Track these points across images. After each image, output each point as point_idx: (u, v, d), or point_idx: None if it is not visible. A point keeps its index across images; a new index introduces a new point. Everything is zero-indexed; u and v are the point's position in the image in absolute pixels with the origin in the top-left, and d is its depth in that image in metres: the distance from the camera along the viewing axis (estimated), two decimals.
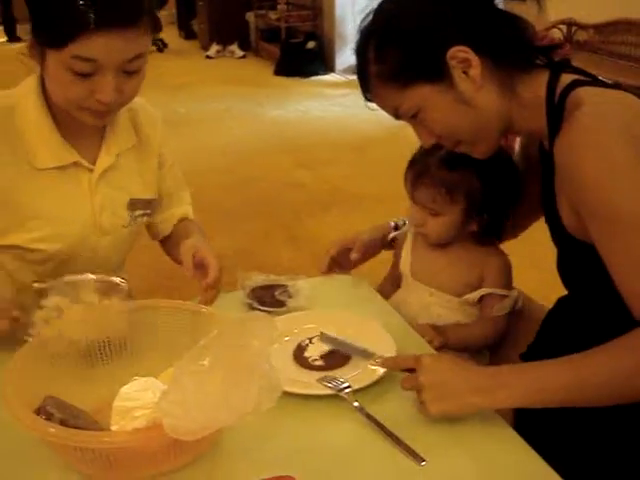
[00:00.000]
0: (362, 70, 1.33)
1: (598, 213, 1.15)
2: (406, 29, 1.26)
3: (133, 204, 1.66)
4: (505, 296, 1.60)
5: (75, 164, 1.57)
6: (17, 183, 1.52)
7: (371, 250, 1.79)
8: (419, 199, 1.58)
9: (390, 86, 1.29)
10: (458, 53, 1.23)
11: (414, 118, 1.32)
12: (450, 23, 1.25)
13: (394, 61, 1.27)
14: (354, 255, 1.74)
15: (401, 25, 1.27)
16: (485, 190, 1.53)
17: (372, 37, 1.30)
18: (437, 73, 1.25)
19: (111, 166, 1.61)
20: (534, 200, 1.45)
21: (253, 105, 6.97)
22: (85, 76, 1.38)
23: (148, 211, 1.71)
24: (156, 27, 1.44)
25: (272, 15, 8.93)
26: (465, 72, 1.25)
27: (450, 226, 1.58)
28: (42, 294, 1.45)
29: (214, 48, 9.38)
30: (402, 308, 1.65)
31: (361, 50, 1.32)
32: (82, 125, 1.52)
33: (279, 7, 8.69)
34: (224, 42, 9.40)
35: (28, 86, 1.53)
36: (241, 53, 9.34)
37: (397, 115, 1.33)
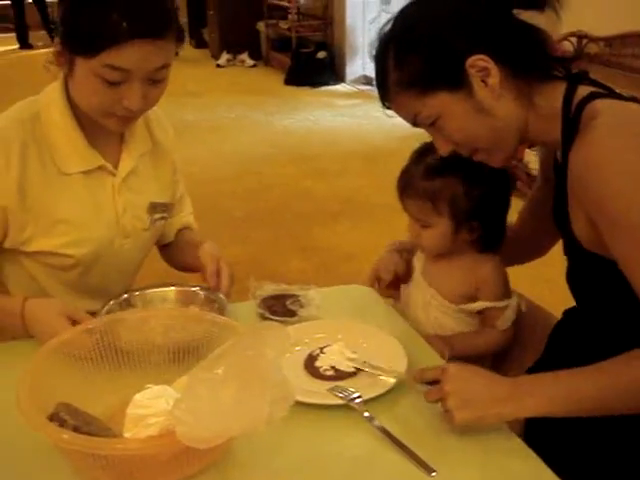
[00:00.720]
0: (381, 77, 1.34)
1: (617, 222, 1.15)
2: (426, 36, 1.27)
3: (153, 207, 1.70)
4: (505, 307, 1.59)
5: (100, 168, 1.60)
6: (45, 188, 1.54)
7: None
8: (408, 212, 1.60)
9: (409, 93, 1.29)
10: (478, 62, 1.24)
11: (432, 126, 1.32)
12: (470, 31, 1.26)
13: (414, 68, 1.27)
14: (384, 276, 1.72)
15: (422, 32, 1.28)
16: (470, 196, 1.52)
17: (392, 44, 1.30)
18: (456, 81, 1.26)
19: (132, 170, 1.64)
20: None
21: (263, 114, 6.99)
22: (114, 84, 1.42)
23: (165, 215, 1.75)
24: (180, 38, 1.50)
25: (283, 25, 8.96)
26: (484, 81, 1.25)
27: (441, 238, 1.57)
28: (128, 305, 1.53)
29: (225, 57, 9.41)
30: (409, 303, 1.67)
31: (380, 57, 1.33)
32: (104, 129, 1.55)
33: (290, 17, 8.71)
34: (235, 51, 9.43)
35: (52, 92, 1.56)
36: (251, 62, 9.37)
37: (415, 122, 1.34)
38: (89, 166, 1.58)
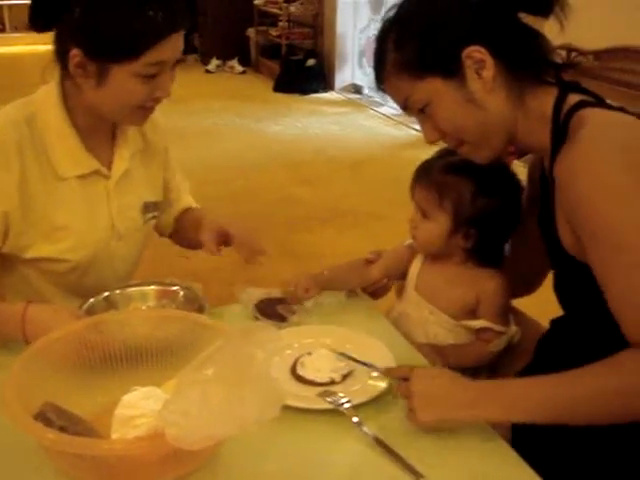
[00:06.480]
0: (379, 58, 1.35)
1: (591, 232, 1.17)
2: (428, 20, 1.29)
3: (146, 207, 1.70)
4: (503, 333, 1.59)
5: (95, 172, 1.59)
6: (43, 192, 1.52)
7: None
8: (415, 198, 1.59)
9: (403, 75, 1.31)
10: (474, 53, 1.26)
11: (422, 112, 1.33)
12: (472, 22, 1.27)
13: (411, 50, 1.29)
14: (369, 256, 1.74)
15: (424, 16, 1.30)
16: (475, 203, 1.52)
17: (394, 26, 1.32)
18: (451, 69, 1.27)
19: (125, 172, 1.63)
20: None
21: (252, 120, 6.98)
22: (150, 77, 1.43)
23: (156, 213, 1.75)
24: None
25: (273, 32, 8.96)
26: (478, 73, 1.27)
27: (437, 233, 1.56)
28: (108, 303, 1.54)
29: (214, 63, 9.40)
30: (402, 320, 1.65)
31: (381, 38, 1.34)
32: (97, 132, 1.56)
33: (280, 24, 8.71)
34: (224, 57, 9.42)
35: (47, 95, 1.53)
36: (241, 68, 9.36)
37: (405, 107, 1.35)
38: (85, 170, 1.57)
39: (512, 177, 1.56)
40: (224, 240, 1.67)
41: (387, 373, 1.33)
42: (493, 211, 1.53)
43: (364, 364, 1.37)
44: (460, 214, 1.53)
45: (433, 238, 1.58)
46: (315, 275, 1.68)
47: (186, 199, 1.91)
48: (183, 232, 1.88)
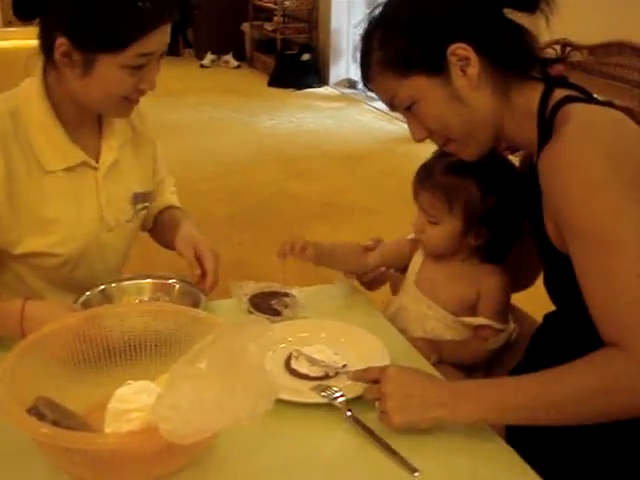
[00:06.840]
0: (365, 56, 1.35)
1: (575, 230, 1.17)
2: (413, 18, 1.29)
3: (136, 198, 1.69)
4: (502, 330, 1.59)
5: (82, 164, 1.58)
6: (30, 186, 1.51)
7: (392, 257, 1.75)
8: (421, 204, 1.58)
9: (389, 74, 1.31)
10: (459, 50, 1.26)
11: (408, 110, 1.33)
12: (457, 20, 1.27)
13: (396, 49, 1.29)
14: (368, 243, 1.73)
15: (409, 14, 1.30)
16: (485, 201, 1.52)
17: (379, 25, 1.32)
18: (436, 67, 1.27)
19: (113, 162, 1.63)
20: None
21: (246, 115, 6.98)
22: (137, 68, 1.43)
23: (147, 204, 1.74)
24: None
25: (268, 26, 8.96)
26: (463, 70, 1.27)
27: (447, 237, 1.56)
28: (103, 296, 1.53)
29: (209, 57, 9.39)
30: (400, 314, 1.65)
31: (367, 37, 1.34)
32: (83, 123, 1.55)
33: (275, 19, 8.72)
34: (219, 52, 9.41)
35: (29, 88, 1.52)
36: (236, 63, 9.35)
37: (392, 104, 1.35)
38: (71, 162, 1.56)
39: (514, 170, 1.54)
40: (199, 258, 1.65)
41: (355, 377, 1.30)
42: (503, 207, 1.52)
43: (337, 368, 1.37)
44: (471, 216, 1.52)
45: (444, 241, 1.57)
46: (313, 241, 1.66)
47: (168, 197, 1.89)
48: (161, 230, 1.86)
